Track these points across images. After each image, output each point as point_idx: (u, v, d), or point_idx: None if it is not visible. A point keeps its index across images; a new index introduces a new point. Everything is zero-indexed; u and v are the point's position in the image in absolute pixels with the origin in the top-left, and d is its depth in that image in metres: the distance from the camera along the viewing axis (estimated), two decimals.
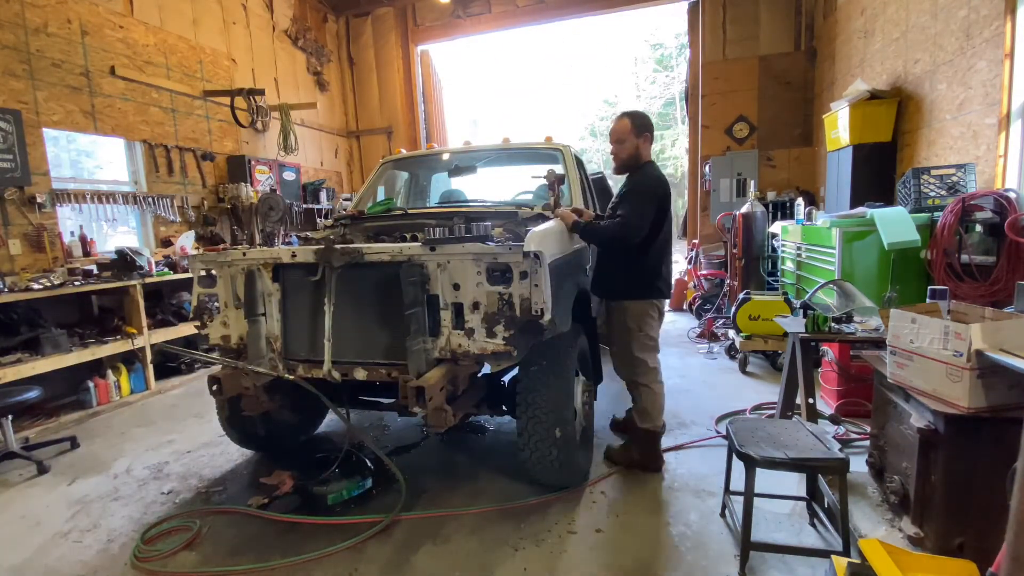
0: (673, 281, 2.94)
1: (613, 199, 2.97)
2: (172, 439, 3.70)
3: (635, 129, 2.79)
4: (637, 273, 2.80)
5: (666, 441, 3.26)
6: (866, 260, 3.74)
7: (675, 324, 6.79)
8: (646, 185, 2.74)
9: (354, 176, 9.04)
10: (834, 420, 3.25)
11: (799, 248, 4.72)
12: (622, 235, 2.66)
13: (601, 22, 23.55)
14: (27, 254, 4.31)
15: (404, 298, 2.26)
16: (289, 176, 7.03)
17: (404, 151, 4.53)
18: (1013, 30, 3.28)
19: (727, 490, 2.41)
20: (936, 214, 3.50)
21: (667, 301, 2.97)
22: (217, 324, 2.70)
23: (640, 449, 2.92)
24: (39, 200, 4.34)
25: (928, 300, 2.25)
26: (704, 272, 6.86)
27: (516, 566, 2.16)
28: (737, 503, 2.20)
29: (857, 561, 1.55)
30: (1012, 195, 3.13)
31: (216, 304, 2.70)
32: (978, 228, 3.31)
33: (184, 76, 5.81)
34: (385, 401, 3.05)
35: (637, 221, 2.66)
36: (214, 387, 2.48)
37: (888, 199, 4.41)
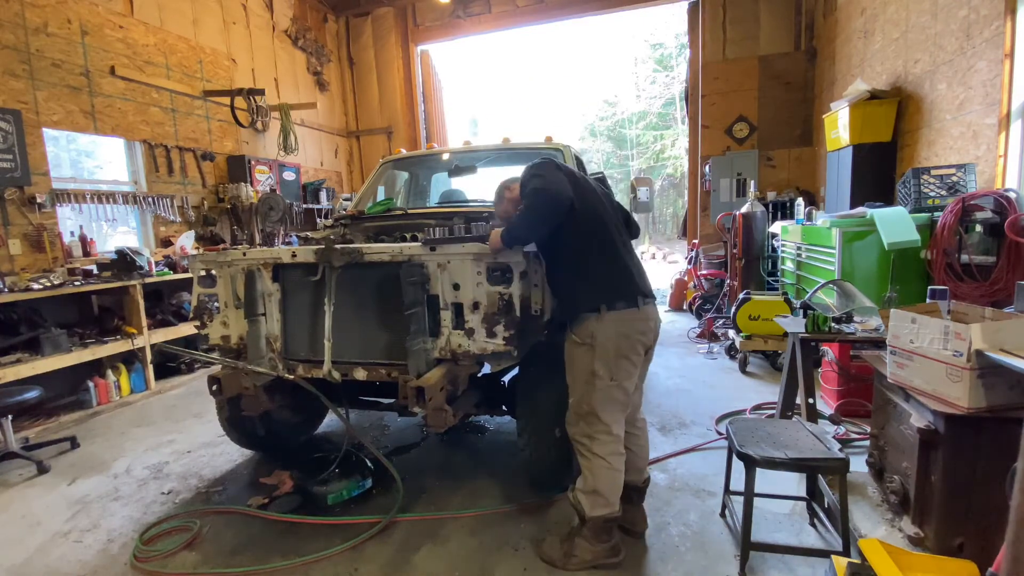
0: (648, 280, 2.23)
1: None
2: (172, 439, 3.70)
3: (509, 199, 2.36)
4: (590, 277, 2.08)
5: (666, 443, 3.27)
6: (866, 260, 3.74)
7: (675, 324, 6.79)
8: (529, 170, 2.15)
9: (354, 176, 9.04)
10: (834, 420, 3.25)
11: (799, 248, 4.72)
12: (545, 200, 2.00)
13: (601, 22, 23.57)
14: (27, 254, 4.31)
15: (404, 298, 2.26)
16: (289, 176, 7.04)
17: (404, 151, 4.53)
18: (1013, 30, 3.28)
19: (727, 490, 2.41)
20: (936, 214, 3.50)
21: (641, 317, 2.08)
22: (217, 324, 2.70)
23: (591, 543, 2.10)
24: (39, 200, 4.34)
25: (928, 300, 2.25)
26: (704, 272, 6.86)
27: (516, 566, 2.16)
28: (737, 503, 2.20)
29: (857, 561, 1.55)
30: (1012, 195, 3.13)
31: (216, 304, 2.70)
32: (978, 228, 3.31)
33: (184, 76, 5.81)
34: (385, 401, 3.05)
35: (547, 183, 2.02)
36: (214, 387, 2.48)
37: (888, 199, 4.42)
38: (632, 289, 2.10)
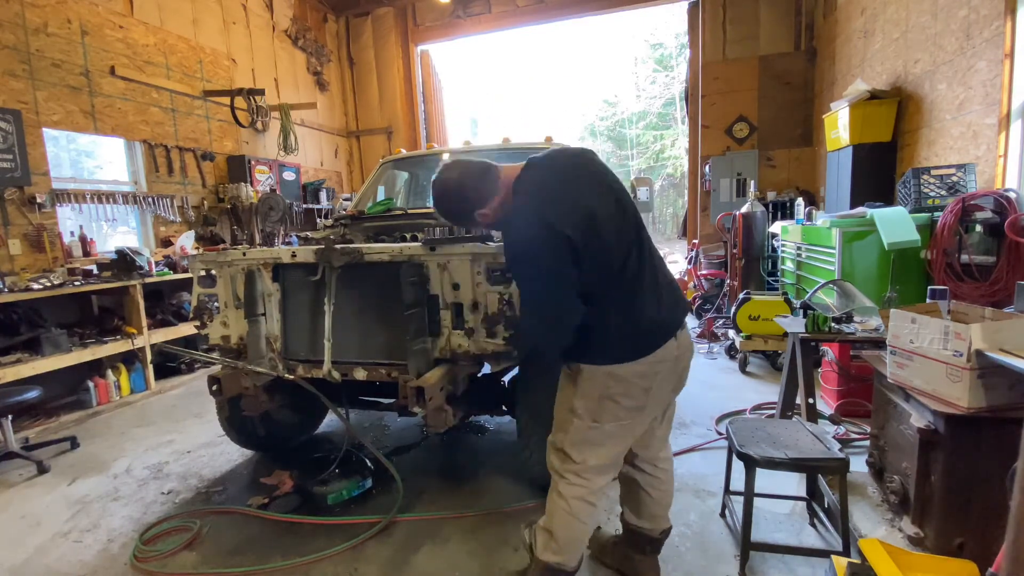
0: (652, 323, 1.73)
1: None
2: (172, 439, 3.70)
3: (480, 200, 1.72)
4: (593, 339, 1.68)
5: None
6: (866, 260, 3.74)
7: None
8: (518, 239, 1.63)
9: (354, 176, 9.04)
10: (834, 420, 3.25)
11: (799, 248, 4.72)
12: (543, 341, 1.78)
13: (601, 22, 23.56)
14: (27, 254, 4.31)
15: (404, 298, 2.26)
16: (289, 176, 7.04)
17: (404, 151, 4.53)
18: (1013, 30, 3.28)
19: (727, 490, 2.41)
20: (936, 214, 3.50)
21: (647, 364, 1.68)
22: (217, 324, 2.70)
23: None
24: (39, 200, 4.34)
25: (928, 300, 2.24)
26: (704, 272, 6.86)
27: (516, 566, 2.16)
28: (737, 503, 2.20)
29: (857, 561, 1.55)
30: (1012, 195, 3.13)
31: (216, 304, 2.70)
32: (978, 228, 3.31)
33: (184, 76, 5.81)
34: (385, 401, 3.05)
35: (543, 305, 1.66)
36: (214, 387, 2.48)
37: (888, 199, 4.42)
38: (647, 340, 1.71)
